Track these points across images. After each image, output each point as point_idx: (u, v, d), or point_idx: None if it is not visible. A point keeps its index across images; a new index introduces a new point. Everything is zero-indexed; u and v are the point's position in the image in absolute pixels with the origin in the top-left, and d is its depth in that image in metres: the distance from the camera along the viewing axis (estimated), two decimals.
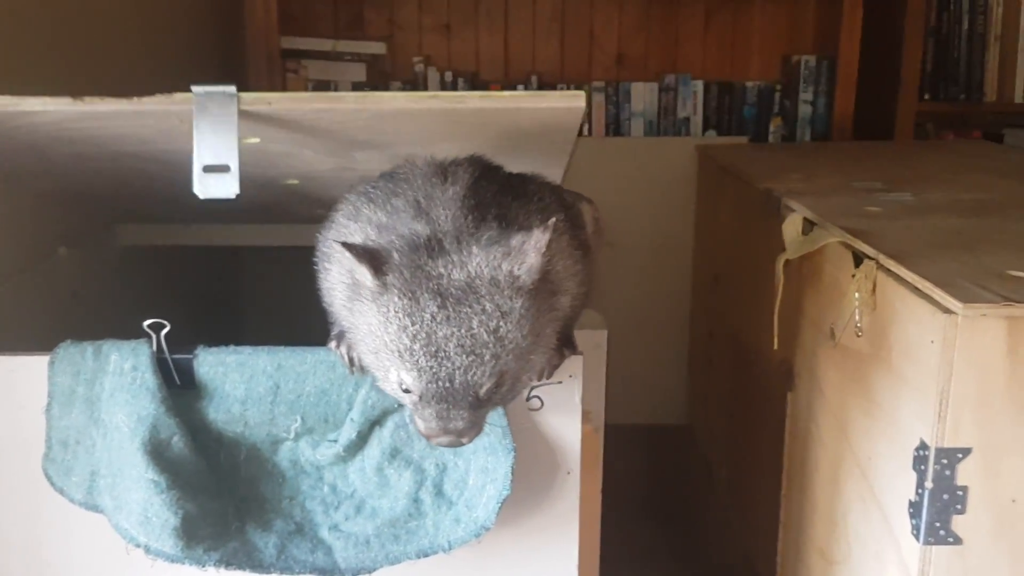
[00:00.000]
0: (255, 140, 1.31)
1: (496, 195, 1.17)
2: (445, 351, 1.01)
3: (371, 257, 1.04)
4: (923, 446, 1.39)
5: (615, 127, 3.40)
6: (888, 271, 1.54)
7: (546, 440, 1.34)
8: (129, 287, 2.15)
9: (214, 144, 1.18)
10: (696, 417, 3.34)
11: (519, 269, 1.03)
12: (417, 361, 1.02)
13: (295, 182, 1.66)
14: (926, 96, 3.28)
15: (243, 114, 1.19)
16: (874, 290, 1.59)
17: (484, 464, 1.28)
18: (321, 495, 1.31)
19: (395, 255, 1.05)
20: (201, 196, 1.20)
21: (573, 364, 1.31)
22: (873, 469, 1.58)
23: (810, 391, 1.95)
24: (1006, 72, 3.37)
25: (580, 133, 3.29)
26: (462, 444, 1.08)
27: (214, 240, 2.22)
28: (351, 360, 1.25)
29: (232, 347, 1.29)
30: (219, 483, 1.29)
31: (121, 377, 1.25)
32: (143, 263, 2.21)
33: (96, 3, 2.12)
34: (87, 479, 1.28)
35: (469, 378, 1.02)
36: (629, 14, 3.42)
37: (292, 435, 1.29)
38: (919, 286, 1.42)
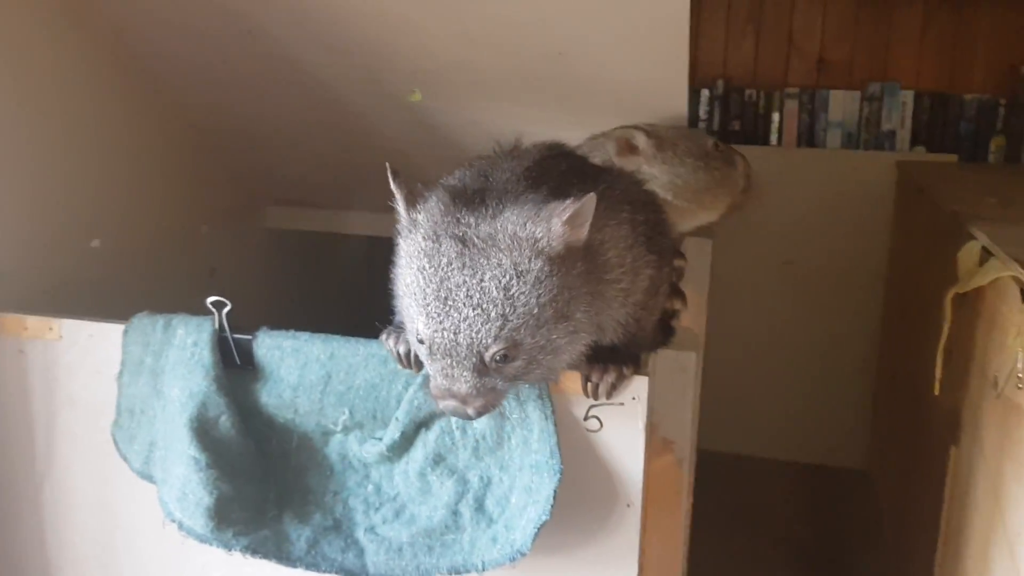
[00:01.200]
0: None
1: (563, 174, 1.13)
2: (455, 299, 0.99)
3: (408, 191, 1.05)
4: None
5: (808, 138, 3.13)
6: None
7: (605, 467, 1.21)
8: (270, 267, 2.22)
9: None
10: (874, 463, 3.01)
11: (540, 231, 0.99)
12: (428, 305, 1.00)
13: None
14: None
15: None
16: None
17: (528, 483, 1.17)
18: (364, 494, 1.26)
19: (433, 198, 1.04)
20: None
21: (638, 385, 1.18)
22: (1022, 548, 1.31)
23: (971, 448, 1.67)
24: None
25: (767, 142, 3.08)
26: (468, 416, 1.02)
27: (356, 228, 2.25)
28: (400, 355, 1.19)
29: (292, 332, 1.27)
30: (266, 468, 1.27)
31: (183, 351, 1.27)
32: (286, 245, 2.27)
33: None
34: (146, 448, 1.30)
35: (474, 334, 0.99)
36: (834, 15, 3.14)
37: (340, 427, 1.25)
38: None
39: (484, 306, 0.98)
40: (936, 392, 1.80)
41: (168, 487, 1.23)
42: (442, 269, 1.00)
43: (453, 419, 1.21)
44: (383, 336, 1.22)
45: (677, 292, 1.51)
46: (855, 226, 2.98)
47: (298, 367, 1.25)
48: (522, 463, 1.18)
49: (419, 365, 1.19)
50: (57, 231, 1.64)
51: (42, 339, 1.36)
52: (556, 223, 0.99)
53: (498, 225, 1.00)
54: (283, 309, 2.18)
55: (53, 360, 1.36)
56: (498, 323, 0.98)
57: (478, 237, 1.00)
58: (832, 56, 3.16)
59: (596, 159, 1.59)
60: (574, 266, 1.03)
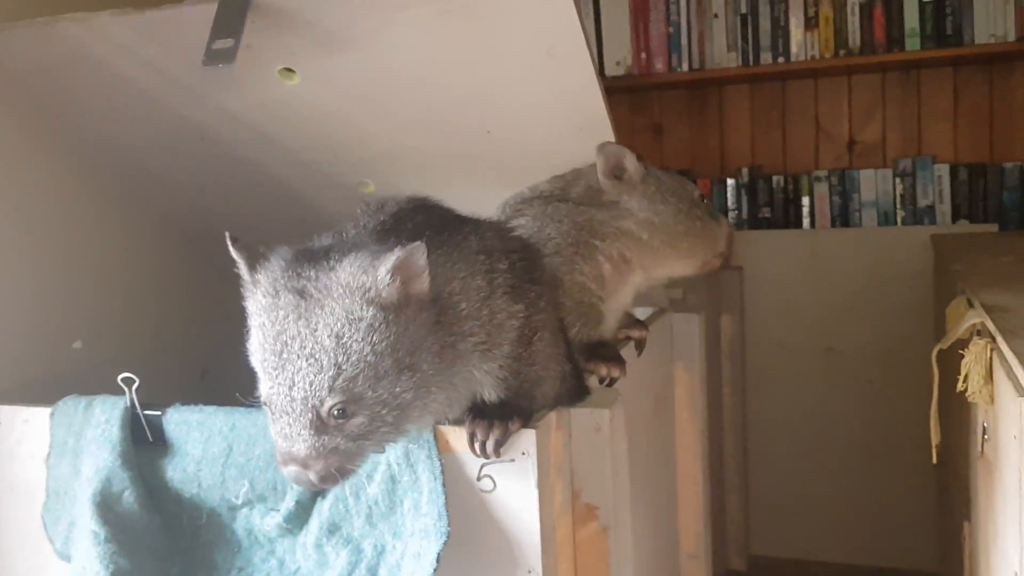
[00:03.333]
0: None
1: (417, 225, 1.11)
2: (290, 352, 0.97)
3: (249, 253, 1.04)
4: None
5: (843, 220, 3.03)
6: (1000, 351, 1.16)
7: (502, 530, 1.14)
8: None
9: None
10: (944, 563, 2.74)
11: (369, 280, 0.98)
12: (266, 361, 0.98)
13: None
14: None
15: None
16: (990, 377, 1.21)
17: (417, 549, 1.12)
18: (268, 568, 1.23)
19: (274, 256, 1.03)
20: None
21: (526, 440, 1.12)
22: None
23: (976, 520, 1.51)
24: None
25: (799, 225, 3.00)
26: (313, 484, 0.98)
27: None
28: None
29: (199, 406, 1.28)
30: (171, 544, 1.26)
31: (96, 429, 1.29)
32: None
33: None
34: (66, 529, 1.31)
35: (308, 386, 0.95)
36: (860, 96, 3.08)
37: (241, 500, 1.23)
38: (1011, 363, 1.05)
39: (317, 355, 0.96)
40: (935, 460, 1.64)
41: (74, 563, 1.24)
42: (279, 323, 0.98)
43: (347, 486, 1.17)
44: None
45: (614, 358, 1.46)
46: (898, 306, 2.83)
47: (202, 441, 1.25)
48: (413, 528, 1.14)
49: None
50: (42, 329, 1.73)
51: None
52: (383, 271, 0.97)
53: (333, 276, 0.99)
54: None
55: None
56: (331, 372, 0.95)
57: (315, 289, 0.98)
58: (863, 137, 3.09)
59: (576, 190, 1.55)
60: (417, 316, 1.00)
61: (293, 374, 0.96)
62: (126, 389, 1.29)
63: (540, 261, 1.26)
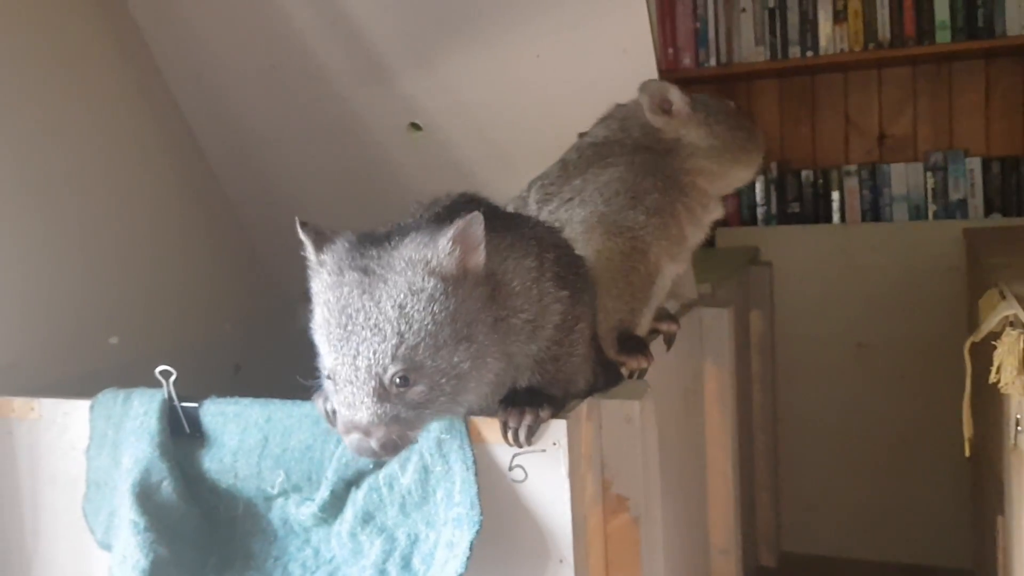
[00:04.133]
0: None
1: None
2: (355, 324, 1.01)
3: (316, 235, 1.09)
4: None
5: (873, 214, 3.01)
6: None
7: (533, 520, 1.15)
8: (301, 366, 2.27)
9: None
10: (977, 559, 2.71)
11: (431, 252, 1.03)
12: (331, 335, 1.03)
13: None
14: None
15: None
16: (1023, 368, 1.20)
17: (451, 538, 1.13)
18: (303, 557, 1.24)
19: (339, 240, 1.08)
20: None
21: (557, 430, 1.13)
22: None
23: (1012, 512, 1.50)
24: None
25: (829, 220, 2.98)
26: (374, 452, 1.01)
27: None
28: (328, 414, 1.20)
29: (236, 398, 1.30)
30: (209, 533, 1.28)
31: (135, 421, 1.31)
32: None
33: None
34: (107, 519, 1.34)
35: (372, 355, 1.00)
36: (891, 90, 3.06)
37: (277, 490, 1.25)
38: None
39: (380, 326, 1.00)
40: (967, 454, 1.64)
41: (114, 552, 1.26)
42: (344, 298, 1.03)
43: (381, 476, 1.19)
44: (315, 396, 1.23)
45: (641, 350, 1.46)
46: (930, 300, 2.81)
47: (239, 432, 1.27)
48: (446, 517, 1.15)
49: None
50: (78, 326, 1.76)
51: (26, 419, 1.44)
52: (443, 241, 1.03)
53: (395, 252, 1.04)
54: None
55: (36, 439, 1.43)
56: (394, 341, 1.00)
57: (378, 265, 1.04)
58: (893, 130, 3.07)
59: (634, 133, 1.57)
60: (474, 289, 1.05)
61: (358, 344, 1.01)
62: (163, 381, 1.31)
63: (582, 260, 1.30)
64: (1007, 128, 2.94)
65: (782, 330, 2.94)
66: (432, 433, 1.16)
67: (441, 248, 1.02)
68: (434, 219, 1.14)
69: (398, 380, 1.00)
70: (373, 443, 1.01)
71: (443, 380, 1.02)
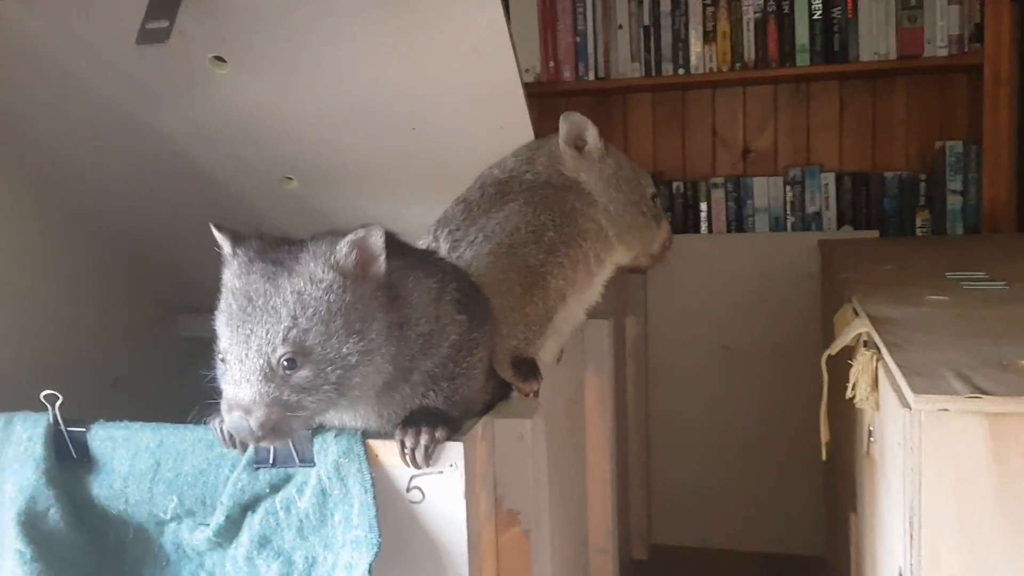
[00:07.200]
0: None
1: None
2: (254, 306, 1.07)
3: (233, 233, 1.17)
4: None
5: (738, 224, 3.19)
6: (885, 362, 1.27)
7: (431, 540, 1.20)
8: (183, 377, 2.23)
9: None
10: (830, 548, 2.92)
11: (333, 249, 1.12)
12: (231, 316, 1.09)
13: None
14: None
15: None
16: (876, 385, 1.32)
17: (349, 560, 1.16)
18: None
19: (255, 239, 1.15)
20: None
21: (454, 451, 1.18)
22: None
23: (862, 513, 1.64)
24: None
25: (698, 230, 3.13)
26: (253, 434, 1.05)
27: None
28: (223, 433, 1.21)
29: (125, 422, 1.29)
30: (99, 561, 1.26)
31: (18, 447, 1.28)
32: (200, 354, 2.29)
33: None
34: None
35: (265, 334, 1.06)
36: (754, 107, 3.24)
37: (170, 515, 1.25)
38: (894, 375, 1.16)
39: (277, 308, 1.07)
40: (824, 458, 1.78)
41: None
42: (249, 284, 1.09)
43: (278, 499, 1.21)
44: (209, 419, 1.23)
45: (532, 373, 1.52)
46: (788, 307, 3.00)
47: (129, 457, 1.26)
48: (344, 540, 1.17)
49: (243, 445, 1.21)
50: None
51: None
52: (344, 243, 1.11)
53: (303, 250, 1.13)
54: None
55: None
56: (287, 323, 1.06)
57: (287, 258, 1.12)
58: (756, 146, 3.25)
59: (540, 160, 1.58)
60: (372, 291, 1.13)
61: (253, 325, 1.07)
62: (48, 406, 1.28)
63: (485, 296, 1.37)
64: (858, 146, 3.17)
65: (655, 334, 3.07)
66: (330, 456, 1.19)
67: (341, 247, 1.11)
68: (340, 233, 1.18)
69: (285, 362, 1.06)
70: (252, 421, 1.05)
71: (329, 368, 1.08)
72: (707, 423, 3.11)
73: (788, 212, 3.14)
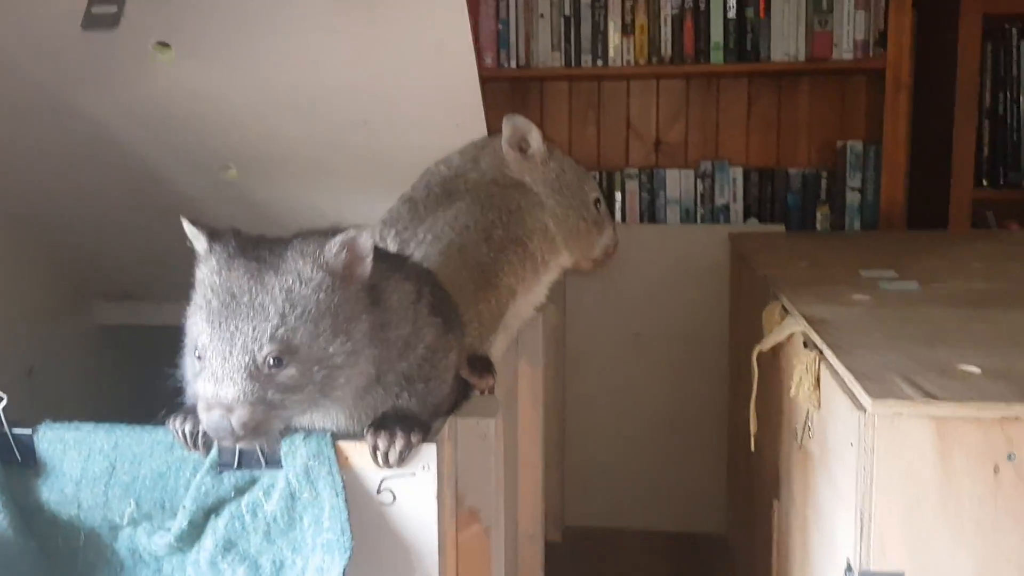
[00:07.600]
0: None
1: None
2: (238, 303, 1.05)
3: (209, 229, 1.14)
4: (849, 568, 1.19)
5: (650, 214, 3.27)
6: (829, 363, 1.35)
7: (401, 542, 1.20)
8: (100, 366, 2.15)
9: None
10: (731, 528, 3.07)
11: (321, 249, 1.11)
12: (211, 313, 1.06)
13: None
14: (984, 183, 3.01)
15: None
16: (818, 384, 1.40)
17: (320, 563, 1.15)
18: None
19: (233, 235, 1.13)
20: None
21: (427, 454, 1.18)
22: None
23: (788, 500, 1.73)
24: None
25: (613, 218, 3.19)
26: (234, 433, 1.04)
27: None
28: (185, 435, 1.18)
29: (75, 423, 1.23)
30: (50, 568, 1.21)
31: None
32: (116, 342, 2.21)
33: None
34: None
35: (251, 331, 1.04)
36: (667, 100, 3.33)
37: (126, 520, 1.21)
38: (844, 379, 1.24)
39: (265, 306, 1.05)
40: (752, 448, 1.87)
41: None
42: (231, 281, 1.07)
43: (243, 503, 1.19)
44: (170, 419, 1.20)
45: (488, 369, 1.54)
46: (697, 296, 3.11)
47: (81, 460, 1.21)
48: (314, 543, 1.17)
49: (206, 447, 1.18)
50: None
51: None
52: (333, 243, 1.11)
53: (288, 248, 1.12)
54: (115, 409, 2.10)
55: None
56: (275, 321, 1.05)
57: (271, 256, 1.11)
58: (668, 138, 3.34)
59: (485, 159, 1.59)
60: (357, 293, 1.12)
61: (238, 322, 1.05)
62: None
63: (454, 300, 1.39)
64: (764, 142, 3.30)
65: (570, 321, 3.14)
66: (299, 459, 1.18)
67: (331, 247, 1.10)
68: (323, 233, 1.18)
69: (272, 360, 1.05)
70: (234, 420, 1.04)
71: (315, 368, 1.08)
72: (618, 407, 3.19)
73: (699, 204, 3.25)
